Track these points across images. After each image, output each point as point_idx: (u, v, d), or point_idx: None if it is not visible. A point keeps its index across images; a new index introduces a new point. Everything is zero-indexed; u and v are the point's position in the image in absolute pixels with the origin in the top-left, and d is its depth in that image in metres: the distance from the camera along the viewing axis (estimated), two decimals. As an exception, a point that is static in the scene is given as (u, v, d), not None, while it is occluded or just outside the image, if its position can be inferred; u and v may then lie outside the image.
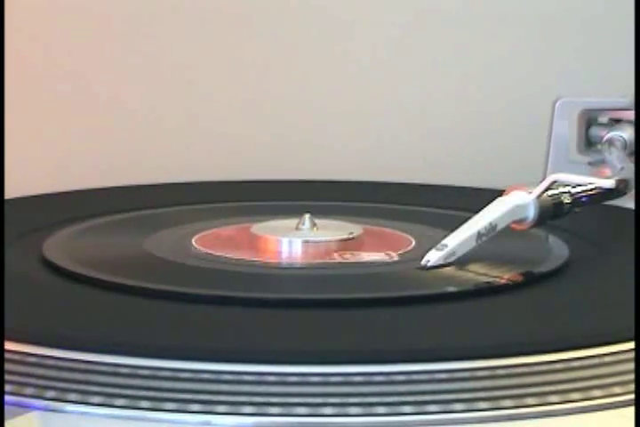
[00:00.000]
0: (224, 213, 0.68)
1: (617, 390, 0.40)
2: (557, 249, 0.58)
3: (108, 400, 0.39)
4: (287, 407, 0.38)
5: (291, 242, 0.58)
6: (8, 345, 0.42)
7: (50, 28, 0.80)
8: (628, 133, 0.69)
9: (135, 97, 0.82)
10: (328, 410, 0.38)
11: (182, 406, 0.39)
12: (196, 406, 0.38)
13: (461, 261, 0.54)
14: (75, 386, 0.40)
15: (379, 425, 0.38)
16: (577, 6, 0.83)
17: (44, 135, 0.81)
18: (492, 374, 0.40)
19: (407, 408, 0.38)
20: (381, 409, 0.38)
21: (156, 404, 0.39)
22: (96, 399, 0.39)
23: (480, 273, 0.53)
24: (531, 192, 0.57)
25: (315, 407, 0.38)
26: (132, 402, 0.39)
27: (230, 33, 0.83)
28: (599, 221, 0.64)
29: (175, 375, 0.40)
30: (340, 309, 0.48)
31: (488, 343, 0.43)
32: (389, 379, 0.40)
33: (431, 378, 0.40)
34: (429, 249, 0.54)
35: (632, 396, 0.40)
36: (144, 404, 0.39)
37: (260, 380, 0.40)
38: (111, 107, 0.82)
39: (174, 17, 0.82)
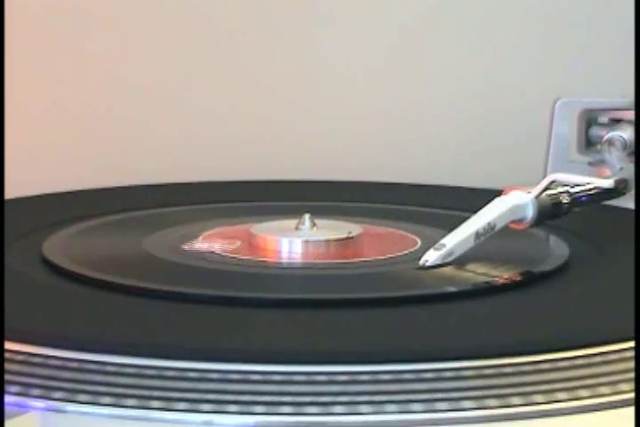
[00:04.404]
0: (224, 213, 0.68)
1: (623, 387, 0.40)
2: (557, 249, 0.58)
3: (110, 400, 0.39)
4: (279, 406, 0.39)
5: (291, 242, 0.58)
6: (8, 345, 0.42)
7: (50, 28, 0.80)
8: (628, 133, 0.69)
9: (135, 97, 0.82)
10: (314, 409, 0.38)
11: (184, 405, 0.39)
12: (195, 406, 0.39)
13: (460, 261, 0.54)
14: (74, 386, 0.40)
15: (381, 424, 0.39)
16: (577, 7, 0.83)
17: (44, 135, 0.81)
18: (497, 372, 0.41)
19: (393, 407, 0.39)
20: (369, 408, 0.38)
21: (162, 403, 0.39)
22: (97, 400, 0.39)
23: (479, 273, 0.53)
24: (529, 192, 0.57)
25: (324, 406, 0.39)
26: (132, 402, 0.39)
27: (230, 35, 0.83)
28: (599, 221, 0.64)
29: (172, 375, 0.40)
30: (338, 309, 0.48)
31: (486, 343, 0.43)
32: (385, 378, 0.40)
33: (420, 378, 0.40)
34: (428, 249, 0.54)
35: (622, 396, 0.40)
36: (148, 403, 0.39)
37: (259, 379, 0.40)
38: (111, 107, 0.82)
39: (172, 19, 0.82)
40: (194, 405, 0.39)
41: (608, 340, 0.43)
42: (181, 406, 0.39)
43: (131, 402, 0.39)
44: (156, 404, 0.39)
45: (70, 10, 0.81)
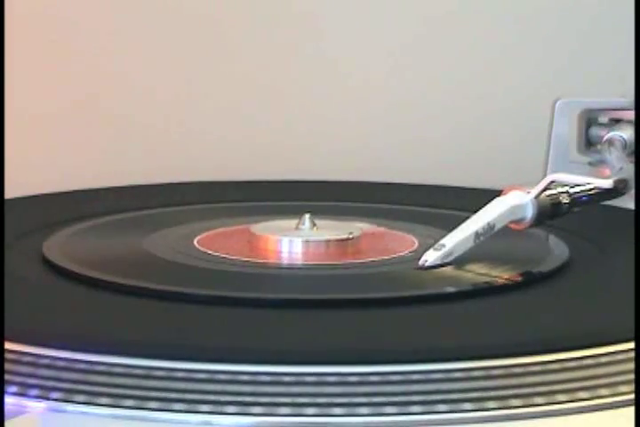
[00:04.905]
0: (224, 213, 0.68)
1: (623, 389, 0.40)
2: (557, 249, 0.58)
3: (110, 401, 0.39)
4: (278, 407, 0.39)
5: (291, 242, 0.58)
6: (8, 345, 0.42)
7: (50, 28, 0.80)
8: (627, 133, 0.69)
9: (135, 97, 0.82)
10: (313, 410, 0.38)
11: (183, 406, 0.39)
12: (191, 407, 0.39)
13: (460, 261, 0.54)
14: (73, 386, 0.40)
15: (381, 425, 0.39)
16: (577, 6, 0.83)
17: (44, 135, 0.81)
18: (496, 373, 0.41)
19: (392, 408, 0.39)
20: (368, 410, 0.38)
21: (164, 404, 0.39)
22: (97, 400, 0.39)
23: (478, 273, 0.53)
24: (529, 192, 0.57)
25: (322, 408, 0.39)
26: (136, 402, 0.39)
27: (230, 35, 0.83)
28: (599, 221, 0.64)
29: (172, 375, 0.40)
30: (338, 309, 0.48)
31: (485, 344, 0.43)
32: (385, 379, 0.40)
33: (420, 378, 0.40)
34: (427, 249, 0.54)
35: (622, 398, 0.40)
36: (148, 404, 0.39)
37: (256, 380, 0.40)
38: (111, 107, 0.82)
39: (173, 20, 0.82)
40: (192, 405, 0.39)
41: (608, 341, 0.43)
42: (179, 406, 0.39)
43: (129, 402, 0.39)
44: (154, 404, 0.39)
45: (71, 9, 0.81)
